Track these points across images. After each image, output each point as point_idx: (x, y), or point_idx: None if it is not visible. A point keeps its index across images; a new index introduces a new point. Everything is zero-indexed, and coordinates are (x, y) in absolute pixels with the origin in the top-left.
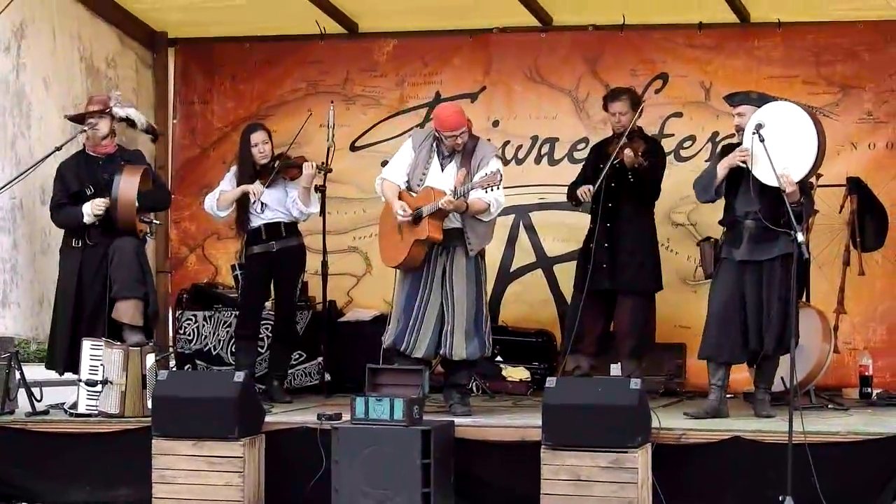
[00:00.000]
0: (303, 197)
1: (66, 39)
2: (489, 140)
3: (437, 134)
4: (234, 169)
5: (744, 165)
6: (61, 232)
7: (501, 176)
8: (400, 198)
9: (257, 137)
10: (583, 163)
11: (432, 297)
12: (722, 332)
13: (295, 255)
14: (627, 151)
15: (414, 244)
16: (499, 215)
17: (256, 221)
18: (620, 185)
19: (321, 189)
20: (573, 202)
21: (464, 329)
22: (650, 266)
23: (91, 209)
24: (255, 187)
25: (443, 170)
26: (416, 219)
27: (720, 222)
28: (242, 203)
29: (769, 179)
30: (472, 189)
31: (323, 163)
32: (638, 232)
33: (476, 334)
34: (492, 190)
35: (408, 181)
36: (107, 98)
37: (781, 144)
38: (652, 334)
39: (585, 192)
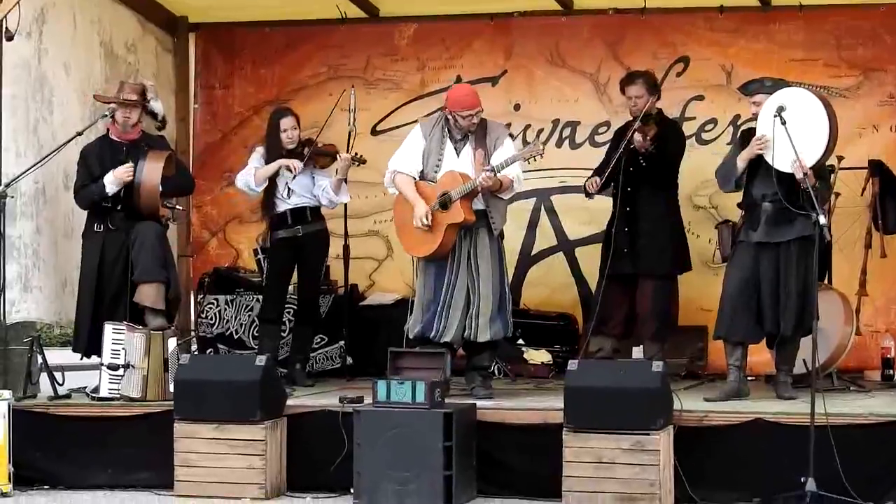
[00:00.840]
0: (335, 187)
1: (87, 24)
2: (509, 124)
3: (449, 116)
4: (260, 149)
5: (762, 153)
6: (83, 216)
7: (543, 147)
8: (418, 189)
9: (287, 123)
10: (604, 146)
11: (459, 280)
12: (735, 313)
13: (320, 240)
14: (637, 136)
15: (448, 229)
16: (520, 198)
17: (282, 206)
18: (638, 170)
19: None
20: (586, 195)
21: (489, 311)
22: (671, 249)
23: (114, 177)
24: (294, 162)
25: (458, 154)
26: (444, 204)
27: (739, 205)
28: (269, 187)
29: (783, 165)
30: (513, 161)
31: (357, 153)
32: (657, 215)
33: (500, 315)
34: (534, 160)
35: (421, 170)
36: (142, 87)
37: (794, 130)
38: (675, 317)
39: (592, 184)
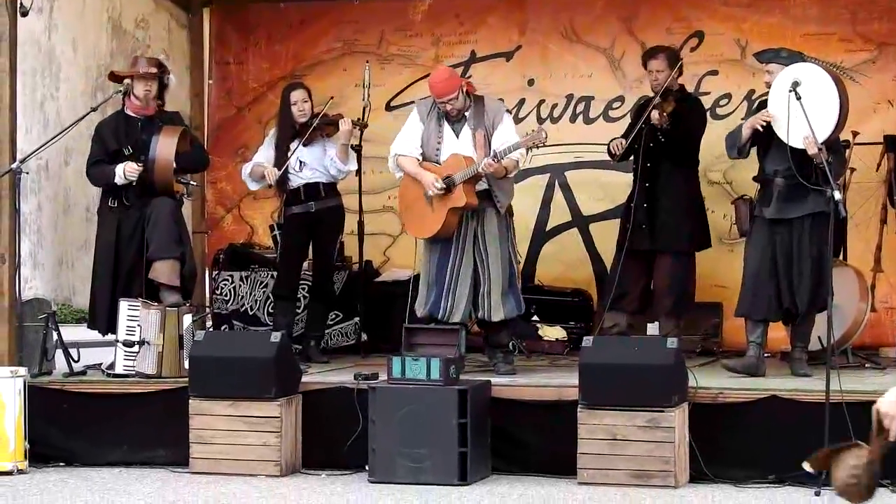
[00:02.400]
0: (341, 154)
1: (97, 0)
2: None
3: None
4: (272, 132)
5: (761, 129)
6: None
7: (546, 134)
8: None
9: (297, 96)
10: (618, 122)
11: (464, 260)
12: (757, 290)
13: (334, 216)
14: (654, 112)
15: (449, 213)
16: (534, 174)
17: (296, 181)
18: (658, 146)
19: (357, 148)
20: (612, 157)
21: (500, 290)
22: (689, 226)
23: (124, 172)
24: (271, 171)
25: (457, 136)
26: (448, 187)
27: (754, 178)
28: (280, 162)
29: (793, 141)
30: (515, 149)
31: (359, 118)
32: (676, 192)
33: (511, 293)
34: (537, 148)
35: (422, 153)
36: (157, 61)
37: (805, 106)
38: (691, 294)
39: (617, 144)
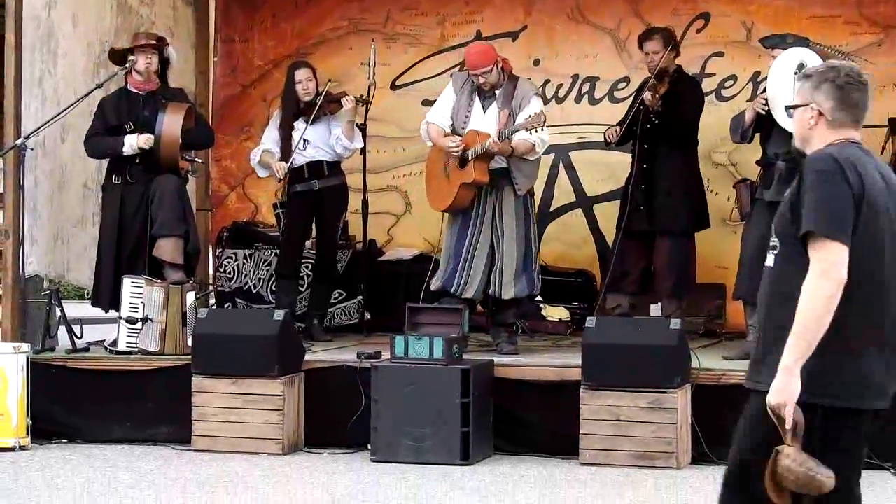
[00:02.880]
0: (346, 132)
1: None
2: (529, 79)
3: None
4: (277, 112)
5: (763, 112)
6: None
7: (545, 117)
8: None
9: (301, 74)
10: (623, 102)
11: (482, 236)
12: (753, 273)
13: (337, 194)
14: (646, 93)
15: (461, 188)
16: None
17: (299, 160)
18: (655, 127)
19: (362, 127)
20: (606, 144)
21: (513, 268)
22: (688, 206)
23: (135, 142)
24: (279, 165)
25: (485, 111)
26: (462, 162)
27: (757, 162)
28: (285, 141)
29: (789, 124)
30: (515, 131)
31: (362, 95)
32: (675, 172)
33: (525, 273)
34: (536, 132)
35: (452, 124)
36: (156, 35)
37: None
38: (692, 275)
39: (611, 133)
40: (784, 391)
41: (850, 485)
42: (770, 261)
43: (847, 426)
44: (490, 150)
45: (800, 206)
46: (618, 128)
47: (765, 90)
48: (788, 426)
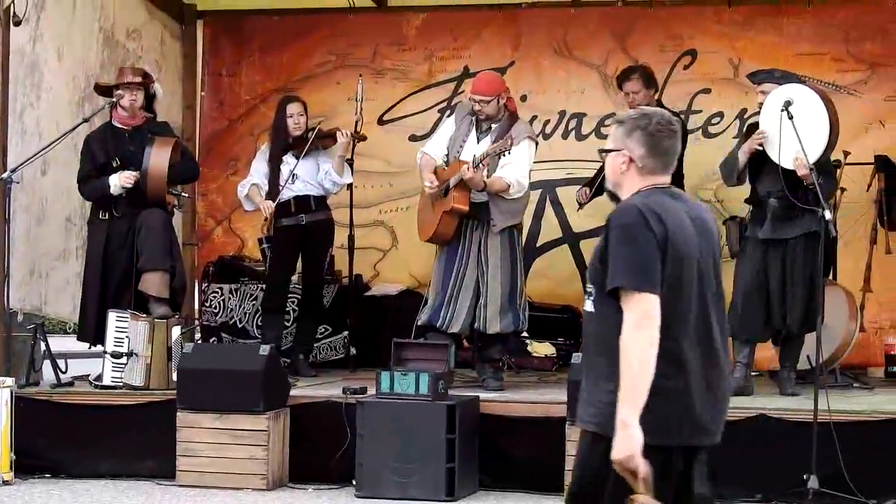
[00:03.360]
0: (337, 167)
1: (88, 10)
2: (530, 123)
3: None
4: (264, 146)
5: (760, 149)
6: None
7: (513, 142)
8: (434, 172)
9: (293, 109)
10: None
11: (468, 271)
12: (747, 310)
13: (324, 229)
14: None
15: (442, 216)
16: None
17: (287, 194)
18: None
19: (349, 161)
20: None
21: (498, 303)
22: None
23: (119, 181)
24: (266, 203)
25: (478, 143)
26: (445, 191)
27: (746, 200)
28: (273, 175)
29: (784, 162)
30: (486, 156)
31: (357, 131)
32: None
33: (510, 308)
34: (504, 156)
35: (447, 154)
36: (143, 71)
37: (796, 126)
38: None
39: (583, 194)
40: (625, 444)
41: None
42: (588, 306)
43: (663, 461)
44: (463, 177)
45: (608, 258)
46: (587, 189)
47: (754, 129)
48: (641, 475)
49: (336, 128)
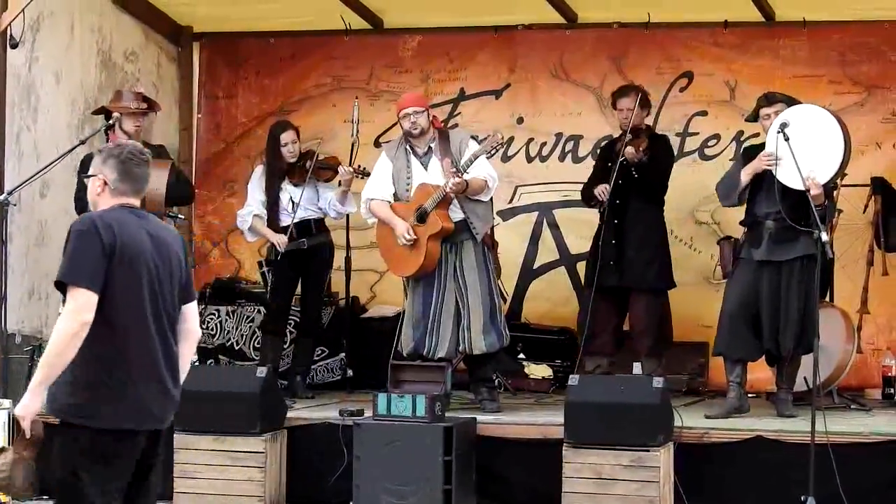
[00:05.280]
0: (341, 198)
1: (86, 33)
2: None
3: (403, 130)
4: (259, 170)
5: (770, 168)
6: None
7: (502, 136)
8: (394, 211)
9: (287, 137)
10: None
11: (447, 295)
12: (735, 330)
13: (324, 252)
14: (629, 148)
15: (429, 241)
16: (523, 212)
17: (286, 220)
18: (627, 182)
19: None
20: (590, 202)
21: (480, 322)
22: (659, 263)
23: None
24: (280, 239)
25: (426, 168)
26: (421, 217)
27: (741, 223)
28: (272, 203)
29: (793, 182)
30: (476, 157)
31: (360, 165)
32: (646, 228)
33: (493, 326)
34: (495, 153)
35: (394, 192)
36: (142, 94)
37: (806, 146)
38: (669, 331)
39: (603, 190)
40: (28, 407)
41: (109, 489)
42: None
43: (115, 443)
44: (453, 188)
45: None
46: (608, 186)
47: (750, 151)
48: (27, 434)
49: (337, 161)
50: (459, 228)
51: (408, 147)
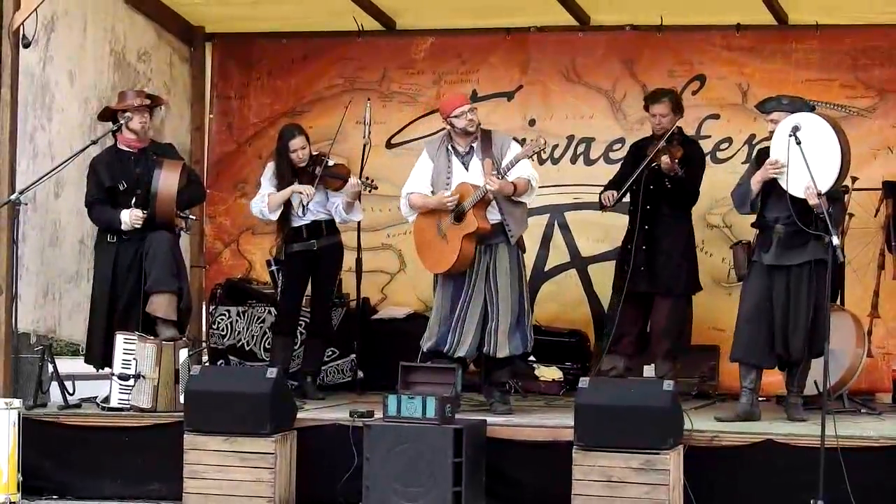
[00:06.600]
0: (346, 207)
1: (99, 33)
2: (524, 139)
3: (448, 128)
4: (270, 166)
5: (777, 176)
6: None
7: (545, 140)
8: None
9: (296, 144)
10: (618, 163)
11: (475, 295)
12: (752, 335)
13: (335, 253)
14: (665, 158)
15: (464, 240)
16: (534, 214)
17: (297, 222)
18: (659, 189)
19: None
20: (600, 208)
21: (507, 326)
22: (687, 268)
23: (130, 220)
24: (306, 188)
25: (467, 168)
26: (459, 216)
27: (753, 225)
28: (284, 207)
29: (795, 190)
30: (517, 161)
31: (367, 178)
32: (675, 235)
33: (518, 330)
34: (537, 156)
35: (432, 191)
36: (145, 93)
37: (808, 155)
38: (687, 336)
39: (608, 197)
40: None
41: None
42: None
43: None
44: (491, 189)
45: None
46: (614, 192)
47: (762, 156)
48: None
49: (347, 171)
50: (495, 231)
51: (449, 146)
